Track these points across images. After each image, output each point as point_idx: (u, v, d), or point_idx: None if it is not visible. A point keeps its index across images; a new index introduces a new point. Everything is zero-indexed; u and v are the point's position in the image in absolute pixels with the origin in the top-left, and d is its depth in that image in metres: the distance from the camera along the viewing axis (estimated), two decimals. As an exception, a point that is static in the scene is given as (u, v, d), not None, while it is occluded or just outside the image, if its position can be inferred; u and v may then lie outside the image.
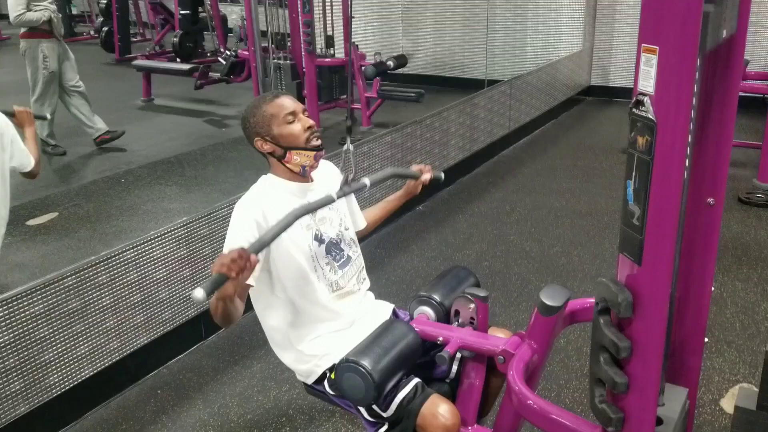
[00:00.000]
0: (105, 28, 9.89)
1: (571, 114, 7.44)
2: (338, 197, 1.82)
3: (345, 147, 1.84)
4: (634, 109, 1.18)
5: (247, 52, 6.67)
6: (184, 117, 7.38)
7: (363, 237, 2.22)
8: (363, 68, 6.18)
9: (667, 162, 1.15)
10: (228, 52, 7.44)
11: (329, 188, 2.05)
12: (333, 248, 1.98)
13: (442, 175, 2.22)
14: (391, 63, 6.19)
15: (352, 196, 2.15)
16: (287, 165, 1.93)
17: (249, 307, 3.34)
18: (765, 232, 4.18)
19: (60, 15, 5.58)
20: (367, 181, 1.90)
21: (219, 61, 7.72)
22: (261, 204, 1.85)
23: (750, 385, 2.74)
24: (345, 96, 6.43)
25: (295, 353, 1.97)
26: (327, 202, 1.81)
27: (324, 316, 1.95)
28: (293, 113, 1.91)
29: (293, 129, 1.90)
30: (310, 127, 1.92)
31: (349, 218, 2.09)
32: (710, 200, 1.69)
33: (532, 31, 7.18)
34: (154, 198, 4.76)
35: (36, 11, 5.28)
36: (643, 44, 1.13)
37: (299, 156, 1.91)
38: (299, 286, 1.90)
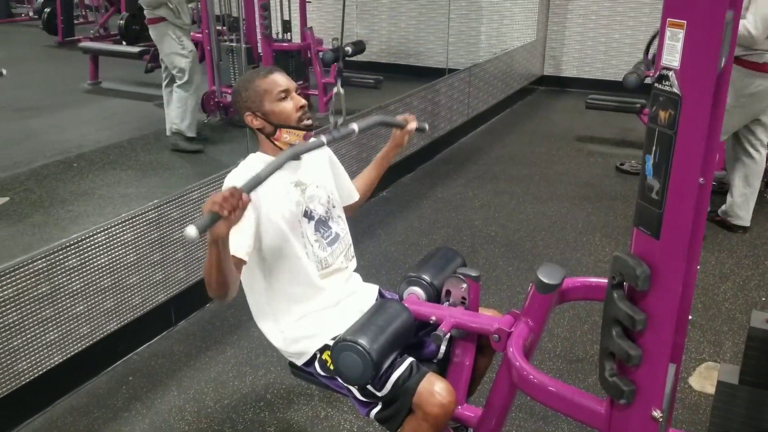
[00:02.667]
0: (47, 10, 9.51)
1: (525, 103, 7.55)
2: (328, 142, 1.79)
3: (335, 89, 1.81)
4: (657, 84, 1.19)
5: (199, 35, 6.53)
6: (133, 101, 7.17)
7: (358, 206, 2.25)
8: (321, 54, 6.11)
9: (689, 136, 1.17)
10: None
11: (318, 167, 2.04)
12: (321, 226, 1.96)
13: (427, 126, 2.23)
14: (349, 49, 6.13)
15: (341, 170, 2.16)
16: (276, 142, 1.91)
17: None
18: (718, 218, 4.33)
19: None
20: (355, 126, 1.88)
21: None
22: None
23: (715, 363, 2.83)
24: (301, 81, 6.36)
25: (282, 332, 1.94)
26: (317, 145, 1.78)
27: (309, 294, 1.93)
28: (286, 91, 1.89)
29: (285, 107, 1.88)
30: (302, 107, 1.90)
31: (336, 194, 2.08)
32: (701, 179, 1.73)
33: (487, 20, 7.23)
34: (109, 183, 4.60)
35: None
36: (668, 19, 1.14)
37: (289, 134, 1.89)
38: (287, 263, 1.88)
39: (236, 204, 1.49)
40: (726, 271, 3.63)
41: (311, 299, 1.94)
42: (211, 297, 1.71)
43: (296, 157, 1.83)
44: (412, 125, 2.15)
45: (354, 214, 2.26)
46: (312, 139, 1.79)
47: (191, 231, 1.40)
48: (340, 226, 2.05)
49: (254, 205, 1.79)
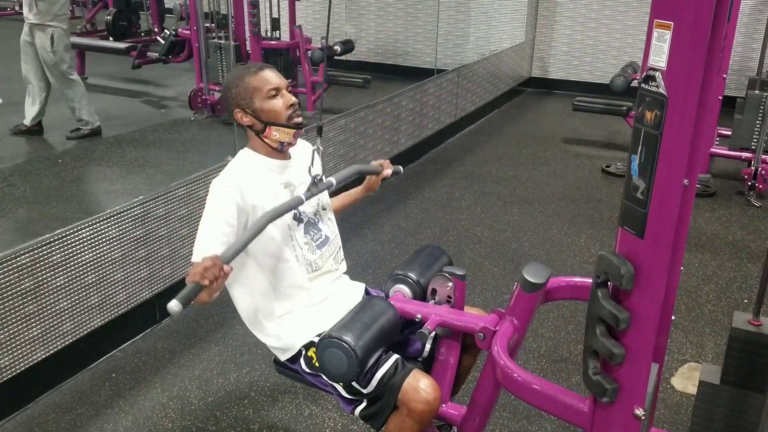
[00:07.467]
0: (33, 3, 9.41)
1: (513, 104, 7.58)
2: (307, 198, 1.84)
3: (314, 147, 1.89)
4: (643, 84, 1.20)
5: (187, 32, 6.51)
6: (120, 97, 7.13)
7: None
8: (309, 52, 6.11)
9: (675, 136, 1.18)
10: (167, 32, 7.22)
11: (306, 167, 2.03)
12: (311, 228, 1.96)
13: (401, 169, 2.31)
14: (338, 48, 6.14)
15: None
16: (265, 140, 1.91)
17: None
18: (703, 220, 4.37)
19: None
20: (333, 180, 1.95)
21: (157, 41, 7.48)
22: (239, 183, 1.83)
23: (698, 364, 2.86)
24: (290, 80, 6.35)
25: (266, 329, 1.94)
26: (296, 204, 1.83)
27: (296, 294, 1.93)
28: (277, 89, 1.88)
29: (275, 105, 1.88)
30: (292, 105, 1.90)
31: (327, 195, 2.08)
32: (685, 181, 1.74)
33: (475, 21, 7.25)
34: (94, 179, 4.59)
35: None
36: (656, 20, 1.15)
37: (278, 132, 1.89)
38: (274, 265, 1.88)
39: (218, 273, 1.54)
40: (709, 273, 3.66)
41: (294, 297, 1.93)
42: None
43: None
44: (388, 171, 2.21)
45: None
46: (293, 197, 1.85)
47: (174, 306, 1.45)
48: (330, 228, 2.04)
49: (242, 208, 1.79)
